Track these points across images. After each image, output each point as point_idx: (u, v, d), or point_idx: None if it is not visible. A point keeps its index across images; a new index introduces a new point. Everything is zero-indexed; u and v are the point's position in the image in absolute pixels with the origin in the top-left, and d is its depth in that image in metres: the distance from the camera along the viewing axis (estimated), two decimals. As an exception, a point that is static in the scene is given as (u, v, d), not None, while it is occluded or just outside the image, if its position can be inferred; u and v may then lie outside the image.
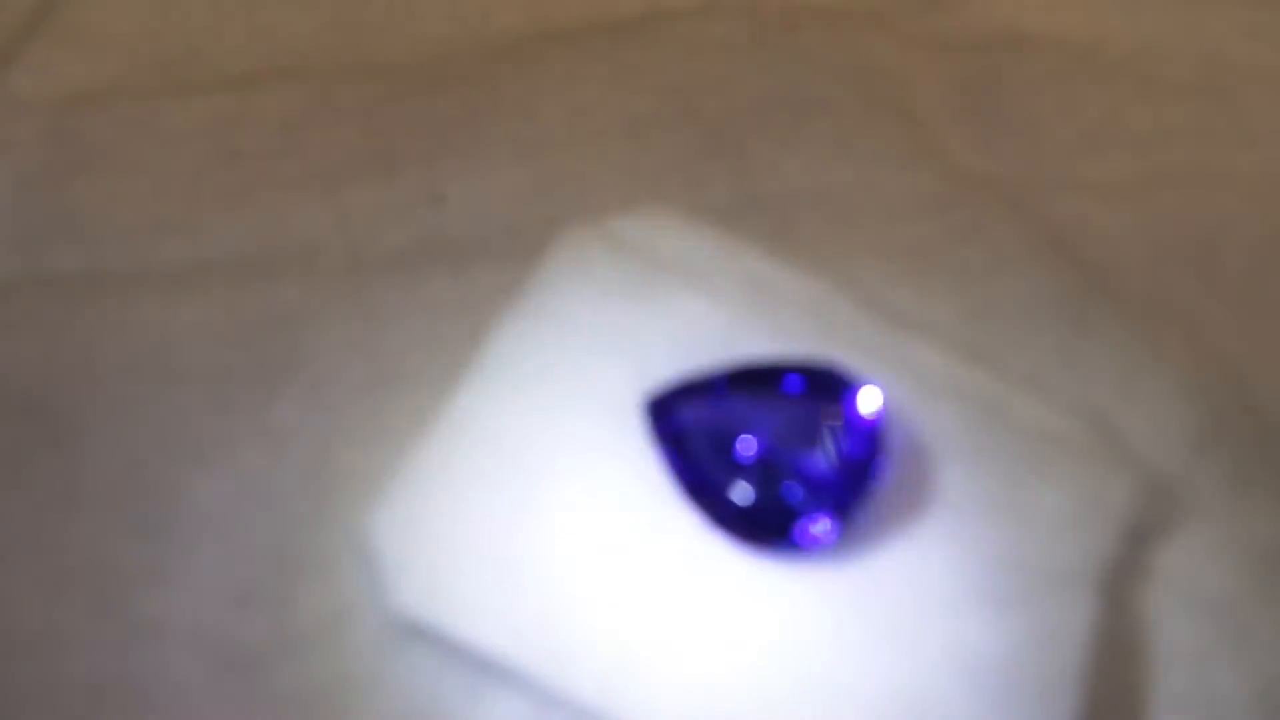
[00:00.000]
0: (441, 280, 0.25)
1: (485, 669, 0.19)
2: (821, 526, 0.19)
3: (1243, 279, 0.25)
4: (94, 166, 0.28)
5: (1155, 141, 0.28)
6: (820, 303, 0.23)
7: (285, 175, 0.28)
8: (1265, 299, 0.25)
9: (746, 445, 0.20)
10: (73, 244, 0.26)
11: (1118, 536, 0.20)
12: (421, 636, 0.19)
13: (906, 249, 0.25)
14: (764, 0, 0.34)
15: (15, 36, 0.33)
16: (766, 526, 0.19)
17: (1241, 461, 0.21)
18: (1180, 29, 0.32)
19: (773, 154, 0.28)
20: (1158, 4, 0.33)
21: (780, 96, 0.30)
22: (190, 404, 0.23)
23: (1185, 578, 0.20)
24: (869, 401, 0.20)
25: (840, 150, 0.28)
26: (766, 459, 0.20)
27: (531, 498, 0.20)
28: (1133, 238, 0.26)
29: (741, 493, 0.19)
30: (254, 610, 0.20)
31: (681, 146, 0.29)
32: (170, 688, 0.19)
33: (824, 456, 0.20)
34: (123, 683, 0.19)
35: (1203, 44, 0.32)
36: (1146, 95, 0.30)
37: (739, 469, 0.20)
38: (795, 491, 0.19)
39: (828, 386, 0.20)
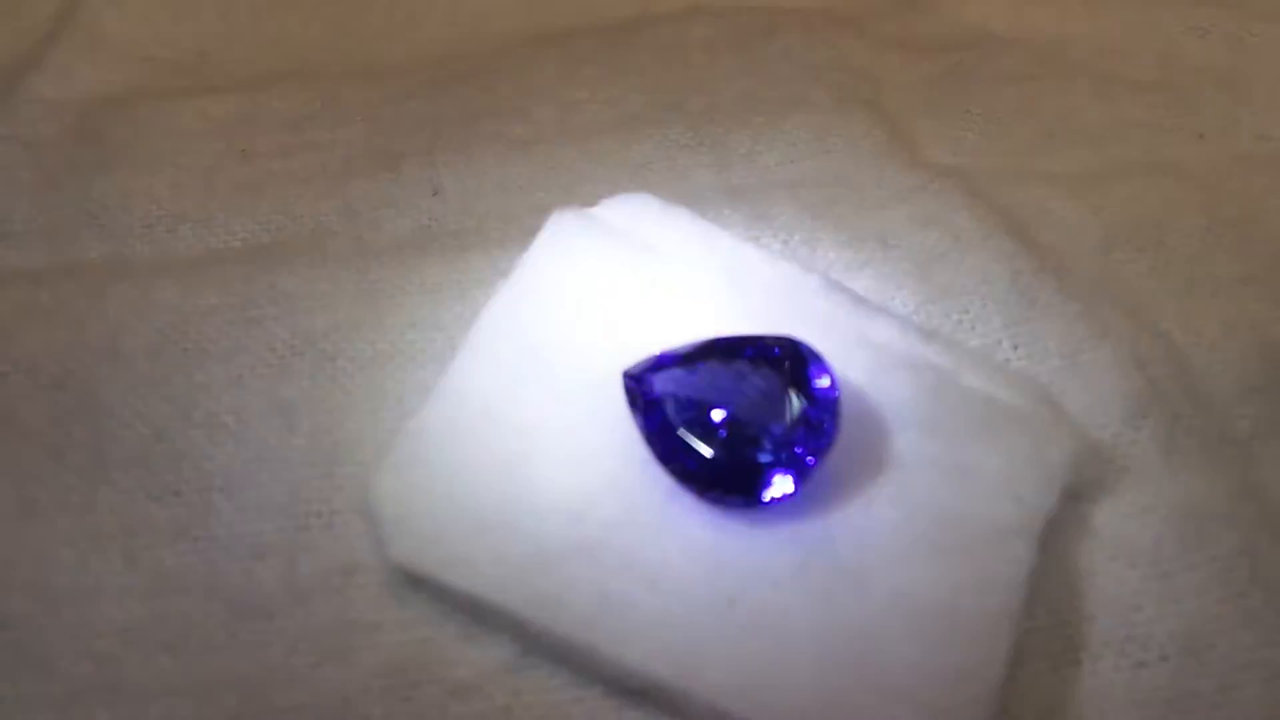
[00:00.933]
0: (439, 265, 0.27)
1: (478, 613, 0.21)
2: (783, 485, 0.21)
3: (1185, 263, 0.27)
4: (115, 164, 0.30)
5: (1110, 136, 0.30)
6: (789, 283, 0.25)
7: (294, 171, 0.30)
8: (1205, 281, 0.26)
9: (716, 412, 0.21)
10: (97, 235, 0.28)
11: (1056, 495, 0.22)
12: (420, 585, 0.21)
13: (873, 235, 0.27)
14: (744, 3, 0.36)
15: (38, 42, 0.35)
16: (733, 485, 0.21)
17: (1173, 429, 0.23)
18: (1140, 29, 0.34)
19: (751, 148, 0.30)
20: (1121, 4, 0.35)
21: (759, 94, 0.32)
22: (208, 380, 0.25)
23: (1117, 533, 0.22)
24: (827, 373, 0.22)
25: (814, 144, 0.30)
26: (734, 424, 0.21)
27: (519, 460, 0.22)
28: (1085, 225, 0.28)
29: (711, 455, 0.21)
30: (268, 563, 0.22)
31: (666, 141, 0.31)
32: (192, 632, 0.21)
33: (786, 422, 0.21)
34: (150, 627, 0.21)
35: (1160, 43, 0.33)
36: (1104, 93, 0.31)
37: (709, 433, 0.21)
38: (760, 454, 0.21)
39: (791, 360, 0.22)
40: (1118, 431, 0.23)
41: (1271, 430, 0.24)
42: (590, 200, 0.26)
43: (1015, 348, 0.25)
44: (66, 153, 0.31)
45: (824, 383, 0.22)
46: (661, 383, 0.22)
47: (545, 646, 0.21)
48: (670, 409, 0.22)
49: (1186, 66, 0.32)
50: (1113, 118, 0.31)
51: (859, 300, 0.25)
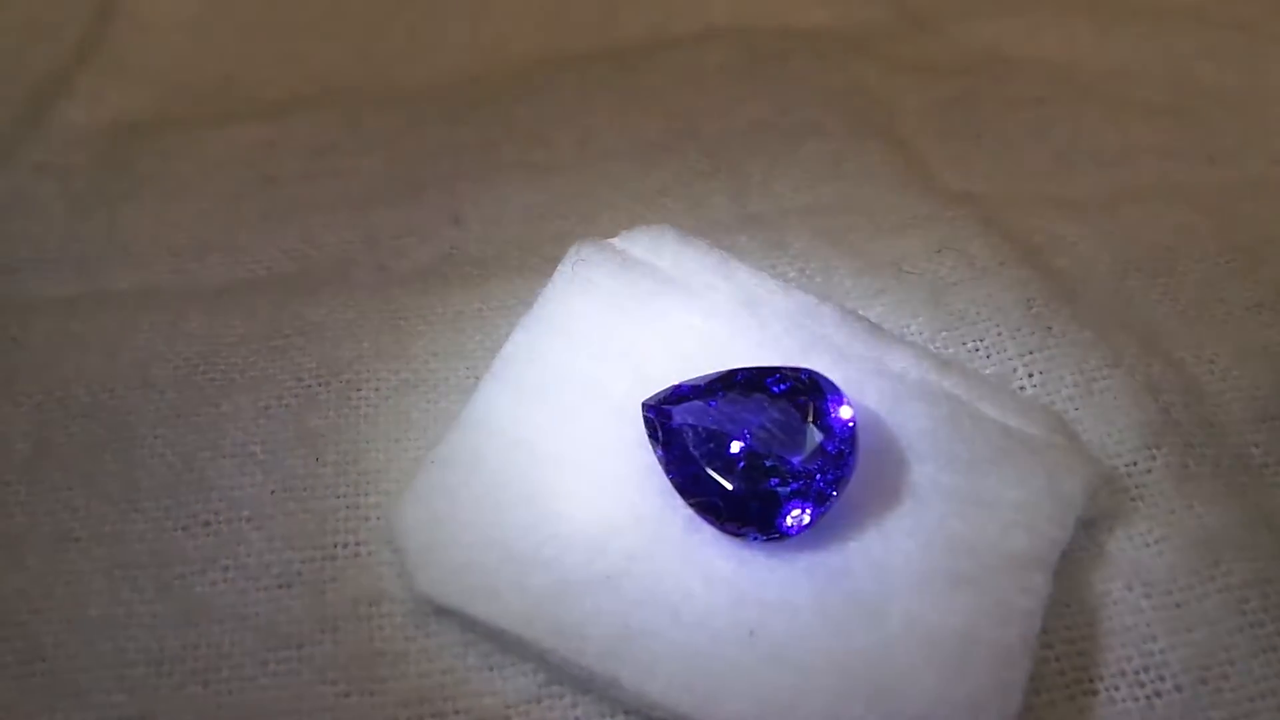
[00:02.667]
0: (461, 294, 0.27)
1: (502, 643, 0.21)
2: (800, 516, 0.21)
3: (1196, 289, 0.27)
4: (143, 192, 0.31)
5: (1122, 160, 0.31)
6: (805, 313, 0.25)
7: (317, 199, 0.30)
8: (1218, 306, 0.27)
9: (735, 444, 0.22)
10: (127, 264, 0.29)
11: (1071, 525, 0.22)
12: (444, 615, 0.22)
13: (888, 262, 0.27)
14: (760, 27, 0.36)
15: (66, 68, 0.36)
16: (752, 516, 0.22)
17: (1186, 457, 0.24)
18: (1152, 51, 0.34)
19: (766, 174, 0.30)
20: (1132, 27, 0.35)
21: (774, 120, 0.32)
22: (236, 409, 0.25)
23: (1131, 562, 0.22)
24: (845, 404, 0.22)
25: (829, 170, 0.30)
26: (752, 456, 0.22)
27: (542, 491, 0.22)
28: (1098, 250, 0.28)
29: (730, 486, 0.22)
30: (295, 593, 0.22)
31: (683, 168, 0.31)
32: (223, 661, 0.22)
33: (804, 453, 0.22)
34: (181, 656, 0.22)
35: (1172, 65, 0.34)
36: (1116, 116, 0.32)
37: (728, 465, 0.22)
38: (778, 485, 0.21)
39: (809, 391, 0.22)
40: (1132, 460, 0.24)
41: (1284, 458, 0.24)
42: (608, 228, 0.27)
43: (1030, 376, 0.25)
44: (96, 181, 0.31)
45: (842, 414, 0.22)
46: (680, 414, 0.22)
47: (568, 677, 0.21)
48: (689, 440, 0.22)
49: (1198, 89, 0.32)
50: (1124, 142, 0.31)
51: (874, 329, 0.25)
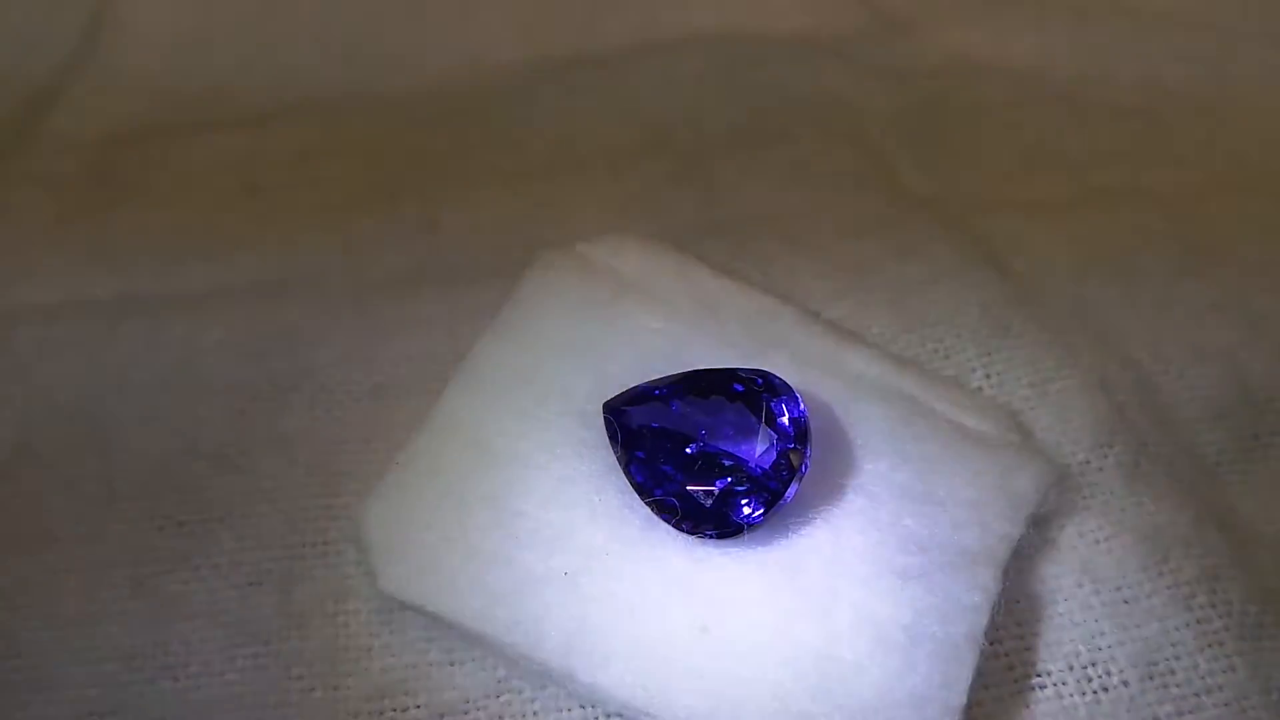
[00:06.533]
0: (434, 299, 0.28)
1: (462, 638, 0.22)
2: (754, 514, 0.22)
3: (1156, 290, 0.27)
4: (127, 201, 0.32)
5: (1087, 163, 0.31)
6: (765, 316, 0.25)
7: (297, 206, 0.31)
8: (1176, 307, 0.27)
9: (691, 444, 0.22)
10: (109, 271, 0.30)
11: (1022, 522, 0.22)
12: (407, 611, 0.22)
13: (850, 265, 0.28)
14: (740, 34, 0.37)
15: (56, 80, 0.36)
16: (707, 515, 0.22)
17: (1139, 455, 0.24)
18: (1121, 55, 0.35)
19: (736, 180, 0.31)
20: (1102, 31, 0.35)
21: (746, 127, 0.33)
22: (212, 413, 0.26)
23: (1082, 558, 0.23)
24: (799, 405, 0.23)
25: (796, 176, 0.31)
26: (708, 456, 0.22)
27: (503, 491, 0.23)
28: (1058, 253, 0.28)
29: (686, 486, 0.22)
30: (265, 590, 0.23)
31: (655, 175, 0.32)
32: (191, 656, 0.22)
33: (758, 452, 0.22)
34: (152, 651, 0.22)
35: (1141, 69, 0.34)
36: (1083, 120, 0.32)
37: (684, 464, 0.22)
38: (732, 484, 0.22)
39: (764, 391, 0.23)
40: (1085, 458, 0.24)
41: (1236, 457, 0.25)
42: (579, 235, 0.27)
43: (987, 376, 0.26)
44: (81, 190, 0.32)
45: (796, 414, 0.23)
46: (639, 415, 0.23)
47: (527, 671, 0.22)
48: (648, 441, 0.23)
49: (1166, 92, 0.33)
50: (1090, 145, 0.31)
51: (833, 330, 0.25)
